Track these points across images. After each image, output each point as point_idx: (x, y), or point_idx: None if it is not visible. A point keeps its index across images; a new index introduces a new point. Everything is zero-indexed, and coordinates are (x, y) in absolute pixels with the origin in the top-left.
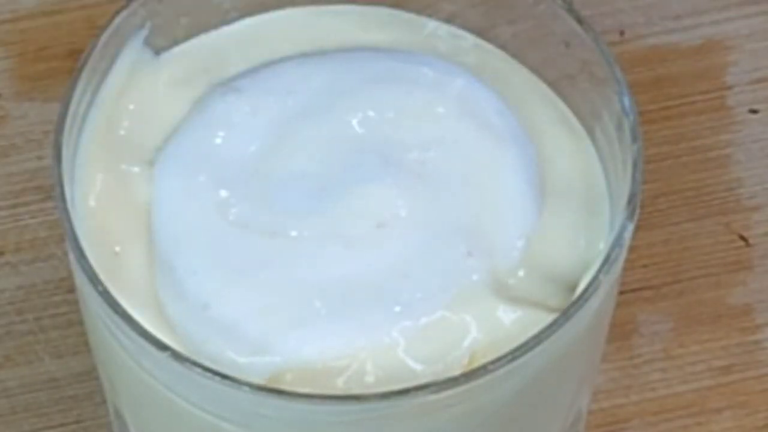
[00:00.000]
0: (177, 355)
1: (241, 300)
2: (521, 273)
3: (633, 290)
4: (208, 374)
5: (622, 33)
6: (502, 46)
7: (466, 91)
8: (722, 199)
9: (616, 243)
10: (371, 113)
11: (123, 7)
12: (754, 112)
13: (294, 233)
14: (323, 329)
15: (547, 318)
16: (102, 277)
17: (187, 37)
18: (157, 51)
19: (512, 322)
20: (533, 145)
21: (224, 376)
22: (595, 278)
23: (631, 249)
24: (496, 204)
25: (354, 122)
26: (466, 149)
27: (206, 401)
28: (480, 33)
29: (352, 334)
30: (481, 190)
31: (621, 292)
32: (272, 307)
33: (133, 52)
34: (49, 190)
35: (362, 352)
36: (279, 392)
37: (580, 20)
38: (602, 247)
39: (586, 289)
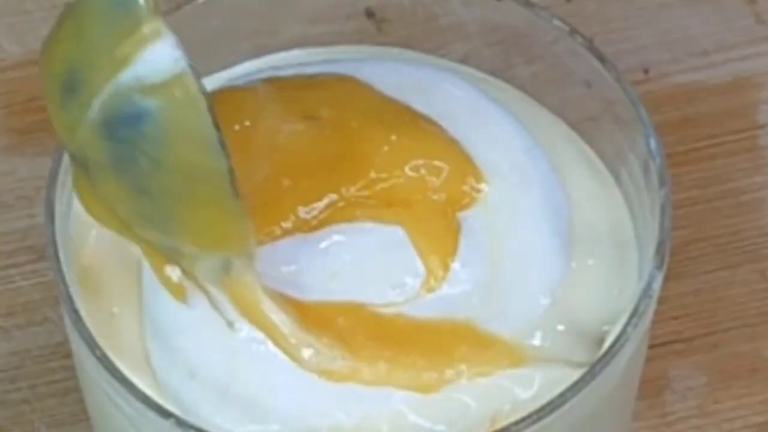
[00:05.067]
0: (181, 422)
1: (229, 365)
2: (546, 331)
3: (664, 343)
4: None
5: (646, 71)
6: (521, 87)
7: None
8: (757, 245)
9: (645, 294)
10: None
11: None
12: None
13: None
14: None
15: (573, 375)
16: (99, 340)
17: None
18: None
19: (536, 380)
20: (562, 189)
21: None
22: (623, 332)
23: (661, 300)
24: (520, 257)
25: None
26: (488, 191)
27: None
28: (496, 74)
29: (361, 397)
30: (502, 240)
31: (651, 346)
32: (266, 368)
33: None
34: (42, 250)
35: (377, 417)
36: None
37: (601, 59)
38: (630, 298)
39: (613, 344)
